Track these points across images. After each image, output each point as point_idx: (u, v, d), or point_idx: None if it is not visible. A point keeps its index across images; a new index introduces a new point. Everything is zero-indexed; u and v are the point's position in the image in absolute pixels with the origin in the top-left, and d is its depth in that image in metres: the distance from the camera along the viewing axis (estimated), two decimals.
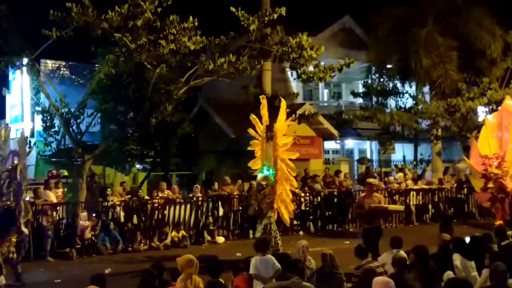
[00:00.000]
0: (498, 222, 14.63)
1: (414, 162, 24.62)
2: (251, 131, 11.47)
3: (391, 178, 19.13)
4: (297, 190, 13.59)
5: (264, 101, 11.43)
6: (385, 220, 17.37)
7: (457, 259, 7.29)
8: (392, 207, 12.49)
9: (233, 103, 21.30)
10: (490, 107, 21.72)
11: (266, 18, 13.99)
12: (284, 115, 11.38)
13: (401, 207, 14.69)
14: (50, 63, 21.99)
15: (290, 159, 11.46)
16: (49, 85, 15.07)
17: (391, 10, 21.64)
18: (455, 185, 19.36)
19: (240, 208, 15.83)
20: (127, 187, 15.68)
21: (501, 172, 14.20)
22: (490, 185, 14.36)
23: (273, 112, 18.31)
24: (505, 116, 14.94)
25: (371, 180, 11.92)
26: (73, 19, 12.75)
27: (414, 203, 18.08)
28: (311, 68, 15.64)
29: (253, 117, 11.40)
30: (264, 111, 11.34)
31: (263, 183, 11.07)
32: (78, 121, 14.69)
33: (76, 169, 14.49)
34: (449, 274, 6.95)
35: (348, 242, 13.38)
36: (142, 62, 13.68)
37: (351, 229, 16.79)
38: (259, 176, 11.17)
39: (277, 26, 14.61)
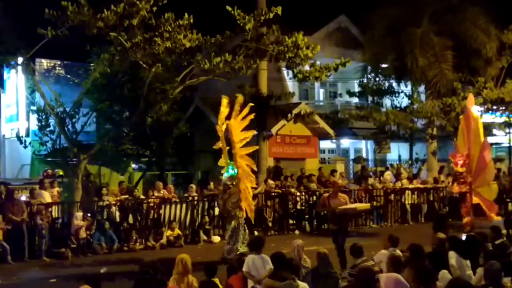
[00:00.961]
0: (465, 220, 14.91)
1: (410, 161, 24.67)
2: (218, 128, 11.14)
3: (388, 177, 19.18)
4: (254, 188, 12.87)
5: (224, 100, 11.11)
6: (354, 220, 17.33)
7: (452, 257, 7.32)
8: (359, 206, 12.04)
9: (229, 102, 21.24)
10: (486, 107, 21.79)
11: (262, 18, 13.99)
12: (238, 111, 11.05)
13: (367, 205, 14.20)
14: (45, 62, 21.91)
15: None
16: (44, 84, 15.03)
17: (387, 9, 21.66)
18: (450, 184, 19.39)
19: None
20: (125, 186, 15.55)
21: (465, 171, 14.67)
22: (455, 186, 15.02)
23: (269, 112, 18.44)
24: (468, 115, 15.25)
25: (336, 179, 11.86)
26: (68, 18, 12.72)
27: (409, 202, 18.13)
28: (307, 68, 15.65)
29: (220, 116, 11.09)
30: (223, 109, 11.03)
31: (229, 183, 10.88)
32: (74, 120, 14.66)
33: (71, 168, 14.46)
34: (444, 273, 6.97)
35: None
36: (138, 61, 13.66)
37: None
38: (225, 176, 11.01)
39: (273, 25, 14.62)
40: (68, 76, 21.32)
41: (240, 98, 11.22)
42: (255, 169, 11.18)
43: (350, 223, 11.40)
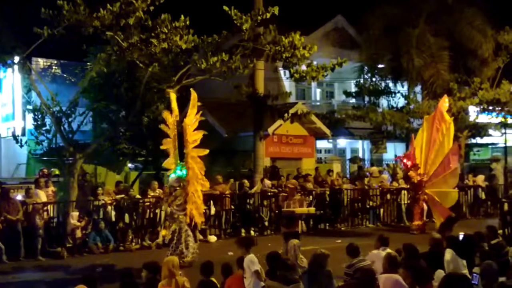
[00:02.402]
0: (416, 223, 15.63)
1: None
2: (163, 127, 10.59)
3: (385, 176, 19.22)
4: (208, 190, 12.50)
5: (172, 95, 10.58)
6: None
7: (448, 254, 7.33)
8: (299, 210, 11.04)
9: (226, 102, 21.27)
10: (481, 107, 21.86)
11: (259, 17, 13.97)
12: (194, 108, 10.48)
13: (311, 209, 12.94)
14: (41, 62, 21.88)
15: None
16: (41, 84, 14.98)
17: (383, 10, 21.71)
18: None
19: (232, 207, 15.83)
20: (122, 186, 15.47)
21: (415, 174, 15.16)
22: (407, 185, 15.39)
23: (266, 112, 18.44)
24: (438, 117, 15.58)
25: (291, 182, 11.79)
26: (64, 17, 12.67)
27: (405, 202, 18.14)
28: (303, 68, 15.65)
29: (165, 113, 10.55)
30: (174, 105, 10.48)
31: (175, 184, 10.18)
32: (70, 119, 14.60)
33: (67, 168, 14.40)
34: (440, 272, 6.98)
35: (339, 241, 13.43)
36: (134, 60, 13.63)
37: (343, 228, 16.84)
38: (171, 177, 10.32)
39: (269, 25, 14.61)
40: (65, 75, 21.28)
41: (194, 94, 10.61)
42: (203, 172, 10.41)
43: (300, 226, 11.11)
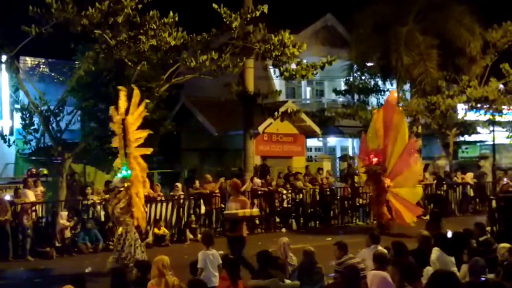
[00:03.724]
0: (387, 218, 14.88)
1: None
2: (111, 125, 10.24)
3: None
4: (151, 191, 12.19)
5: (122, 93, 10.09)
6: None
7: (435, 253, 7.37)
8: (243, 212, 9.83)
9: (216, 100, 21.23)
10: (470, 105, 22.01)
11: (249, 16, 13.98)
12: (137, 106, 10.07)
13: (255, 211, 11.77)
14: (29, 60, 21.68)
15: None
16: (28, 83, 14.87)
17: (373, 8, 21.76)
18: (435, 181, 19.57)
19: (222, 206, 15.79)
20: (111, 185, 15.35)
21: (379, 168, 14.47)
22: (370, 184, 14.75)
23: (256, 110, 18.43)
24: (388, 110, 15.11)
25: (234, 180, 10.69)
26: (52, 16, 12.61)
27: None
28: (293, 66, 15.67)
29: (112, 110, 10.11)
30: (121, 102, 10.01)
31: (119, 185, 9.79)
32: (58, 118, 14.52)
33: (56, 167, 14.33)
34: (428, 269, 7.02)
35: (330, 238, 13.45)
36: (123, 59, 13.56)
37: (333, 226, 16.88)
38: (116, 177, 10.04)
39: (259, 23, 14.62)
40: (53, 74, 21.10)
41: (136, 91, 10.18)
42: (144, 174, 10.09)
43: (245, 229, 9.81)
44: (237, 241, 9.56)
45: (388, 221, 14.96)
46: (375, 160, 14.56)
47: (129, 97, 10.15)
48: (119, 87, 10.38)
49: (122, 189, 9.77)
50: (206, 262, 7.54)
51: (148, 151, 10.22)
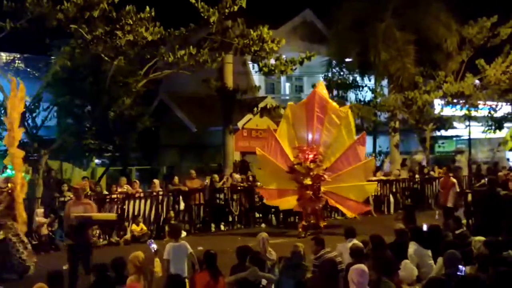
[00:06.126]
0: (303, 223, 13.97)
1: (373, 154, 25.05)
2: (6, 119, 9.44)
3: None
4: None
5: (13, 84, 9.52)
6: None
7: (412, 247, 7.47)
8: (98, 216, 9.08)
9: (195, 96, 21.15)
10: (446, 100, 22.29)
11: (227, 10, 13.94)
12: (22, 101, 9.51)
13: (112, 215, 11.33)
14: (4, 56, 21.36)
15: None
16: (3, 78, 14.61)
17: (351, 4, 21.87)
18: (412, 174, 19.78)
19: (202, 202, 15.75)
20: (89, 182, 15.03)
21: (315, 166, 13.51)
22: (308, 181, 13.43)
23: (235, 106, 18.41)
24: (318, 105, 14.09)
25: (79, 184, 9.90)
26: (27, 10, 12.42)
27: (373, 194, 18.39)
28: (272, 61, 15.68)
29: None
30: (13, 93, 9.45)
31: (3, 186, 9.21)
32: (34, 115, 14.36)
33: (32, 164, 14.13)
34: (406, 263, 7.11)
35: (309, 233, 13.53)
36: (99, 54, 13.42)
37: (312, 221, 16.93)
38: (1, 176, 9.55)
39: (238, 18, 14.59)
40: (28, 69, 20.83)
41: (22, 85, 9.51)
42: (22, 175, 9.59)
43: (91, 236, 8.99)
44: (81, 250, 8.46)
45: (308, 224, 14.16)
46: (311, 156, 13.59)
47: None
48: (9, 75, 9.94)
49: (4, 190, 9.13)
50: (172, 253, 7.62)
51: (21, 153, 9.51)
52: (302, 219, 14.41)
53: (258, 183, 15.63)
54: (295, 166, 13.78)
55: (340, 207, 14.82)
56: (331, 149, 14.27)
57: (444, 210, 14.20)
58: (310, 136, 14.22)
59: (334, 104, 15.04)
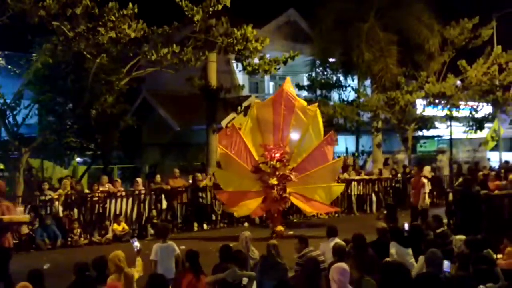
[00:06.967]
0: (279, 228, 13.24)
1: (356, 154, 25.20)
2: None
3: None
4: None
5: None
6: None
7: (393, 247, 7.54)
8: (8, 218, 8.25)
9: (178, 95, 21.07)
10: (428, 100, 22.51)
11: (211, 9, 13.89)
12: None
13: (25, 217, 10.16)
14: None
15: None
16: None
17: (335, 4, 21.98)
18: (394, 174, 19.94)
19: (185, 201, 15.69)
20: (71, 181, 14.78)
21: (281, 165, 13.13)
22: (273, 181, 13.06)
23: (219, 105, 18.37)
24: (285, 103, 13.72)
25: None
26: (8, 6, 12.26)
27: (355, 193, 18.52)
28: (256, 61, 15.67)
29: None
30: None
31: None
32: (14, 112, 14.19)
33: (12, 162, 13.99)
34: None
35: (292, 232, 13.56)
36: (81, 51, 13.29)
37: (295, 220, 17.01)
38: None
39: (222, 17, 14.55)
40: (9, 66, 20.46)
41: None
42: None
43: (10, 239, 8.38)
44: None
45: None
46: (277, 155, 13.15)
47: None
48: None
49: None
50: (159, 254, 7.57)
51: None
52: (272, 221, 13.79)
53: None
54: (260, 165, 13.32)
55: (303, 206, 14.16)
56: (298, 149, 13.83)
57: (412, 210, 14.26)
58: (276, 135, 13.72)
59: (302, 101, 14.66)
